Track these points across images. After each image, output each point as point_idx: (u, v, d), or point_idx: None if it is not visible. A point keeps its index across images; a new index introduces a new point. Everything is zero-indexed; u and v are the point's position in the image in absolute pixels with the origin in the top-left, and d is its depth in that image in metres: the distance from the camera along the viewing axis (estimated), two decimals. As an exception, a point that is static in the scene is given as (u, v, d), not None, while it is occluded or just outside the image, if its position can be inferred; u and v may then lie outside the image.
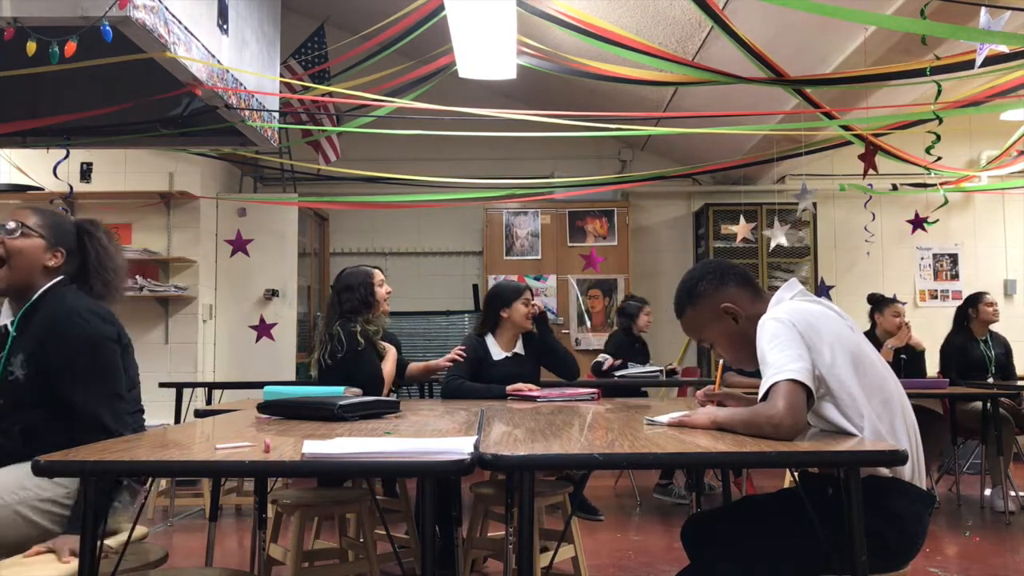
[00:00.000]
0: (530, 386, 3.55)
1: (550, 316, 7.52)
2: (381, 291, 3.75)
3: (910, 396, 2.06)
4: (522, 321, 3.83)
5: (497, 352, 3.84)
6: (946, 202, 5.78)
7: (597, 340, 7.28)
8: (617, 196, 7.86)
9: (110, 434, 2.09)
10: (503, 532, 3.06)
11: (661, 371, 5.68)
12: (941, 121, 3.98)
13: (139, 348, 2.50)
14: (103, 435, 2.06)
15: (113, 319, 2.29)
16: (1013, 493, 5.07)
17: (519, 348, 3.89)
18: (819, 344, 1.89)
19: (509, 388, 3.55)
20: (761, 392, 1.85)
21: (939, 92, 3.83)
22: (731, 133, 5.51)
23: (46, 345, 2.19)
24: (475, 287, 7.73)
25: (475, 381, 3.74)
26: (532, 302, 3.87)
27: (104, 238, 2.40)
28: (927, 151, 4.17)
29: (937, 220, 6.05)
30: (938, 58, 3.81)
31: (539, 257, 7.71)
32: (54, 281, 2.30)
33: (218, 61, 3.83)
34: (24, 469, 1.93)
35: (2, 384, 2.21)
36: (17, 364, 2.20)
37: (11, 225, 2.30)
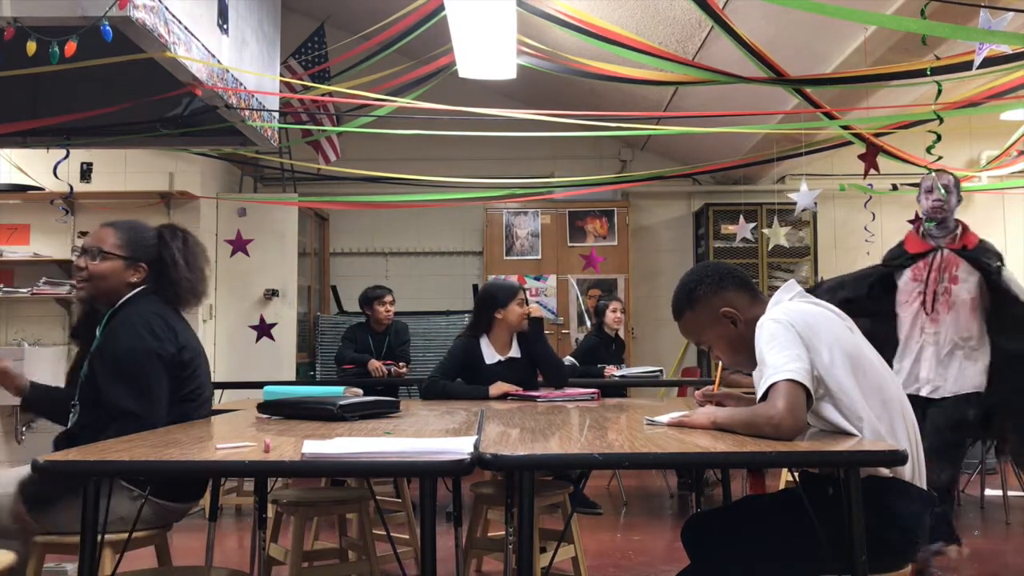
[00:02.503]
0: (515, 387, 3.52)
1: (550, 316, 7.53)
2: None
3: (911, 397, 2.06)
4: (518, 322, 3.71)
5: (491, 355, 3.72)
6: (946, 202, 5.76)
7: (597, 340, 7.26)
8: (617, 196, 7.87)
9: (140, 419, 2.20)
10: (503, 532, 3.07)
11: (661, 371, 5.67)
12: (942, 121, 3.98)
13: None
14: (135, 422, 2.17)
15: (169, 335, 2.37)
16: (1013, 493, 5.07)
17: (514, 351, 3.77)
18: (817, 345, 1.89)
19: (493, 390, 3.50)
20: (759, 392, 1.85)
21: (939, 92, 3.82)
22: (731, 133, 5.51)
23: (100, 350, 2.34)
24: (475, 287, 7.73)
25: (466, 383, 3.66)
26: (529, 303, 3.78)
27: (177, 245, 2.49)
28: (927, 151, 4.17)
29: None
30: (938, 58, 3.80)
31: (539, 257, 7.71)
32: (135, 291, 2.45)
33: (218, 61, 3.83)
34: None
35: (81, 385, 2.38)
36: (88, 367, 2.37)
37: (93, 250, 2.46)
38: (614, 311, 5.72)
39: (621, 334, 5.99)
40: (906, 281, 3.88)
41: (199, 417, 2.44)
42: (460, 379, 3.70)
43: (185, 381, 2.39)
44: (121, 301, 2.42)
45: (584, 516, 4.85)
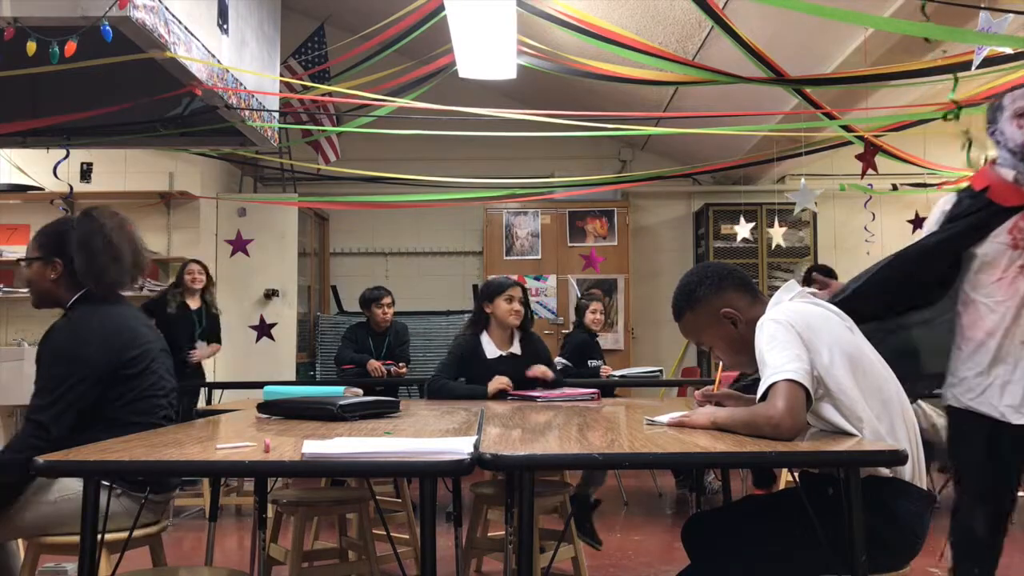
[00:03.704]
0: (508, 381, 3.51)
1: (549, 316, 7.53)
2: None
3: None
4: (504, 317, 3.72)
5: (492, 351, 3.73)
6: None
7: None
8: (617, 196, 7.87)
9: (47, 433, 2.19)
10: (503, 532, 3.07)
11: (661, 371, 5.66)
12: (948, 116, 3.93)
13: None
14: (40, 432, 2.19)
15: (106, 336, 2.31)
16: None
17: (515, 348, 3.78)
18: (817, 345, 1.89)
19: (490, 387, 3.50)
20: (759, 393, 1.85)
21: (956, 83, 3.71)
22: (731, 133, 5.51)
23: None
24: (475, 287, 7.73)
25: (467, 380, 3.67)
26: (524, 301, 3.76)
27: (79, 231, 2.41)
28: (967, 160, 4.07)
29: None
30: (945, 52, 3.79)
31: (539, 257, 7.71)
32: (77, 295, 2.42)
33: (218, 61, 3.84)
34: None
35: None
36: None
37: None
38: (594, 312, 5.68)
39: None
40: (997, 249, 2.47)
41: (163, 408, 2.43)
42: (463, 377, 3.71)
43: (137, 378, 2.35)
44: (68, 305, 2.41)
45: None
